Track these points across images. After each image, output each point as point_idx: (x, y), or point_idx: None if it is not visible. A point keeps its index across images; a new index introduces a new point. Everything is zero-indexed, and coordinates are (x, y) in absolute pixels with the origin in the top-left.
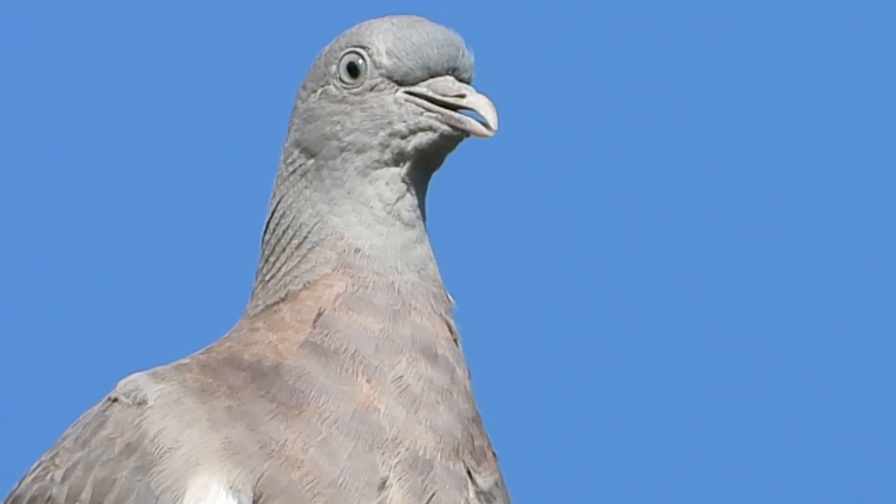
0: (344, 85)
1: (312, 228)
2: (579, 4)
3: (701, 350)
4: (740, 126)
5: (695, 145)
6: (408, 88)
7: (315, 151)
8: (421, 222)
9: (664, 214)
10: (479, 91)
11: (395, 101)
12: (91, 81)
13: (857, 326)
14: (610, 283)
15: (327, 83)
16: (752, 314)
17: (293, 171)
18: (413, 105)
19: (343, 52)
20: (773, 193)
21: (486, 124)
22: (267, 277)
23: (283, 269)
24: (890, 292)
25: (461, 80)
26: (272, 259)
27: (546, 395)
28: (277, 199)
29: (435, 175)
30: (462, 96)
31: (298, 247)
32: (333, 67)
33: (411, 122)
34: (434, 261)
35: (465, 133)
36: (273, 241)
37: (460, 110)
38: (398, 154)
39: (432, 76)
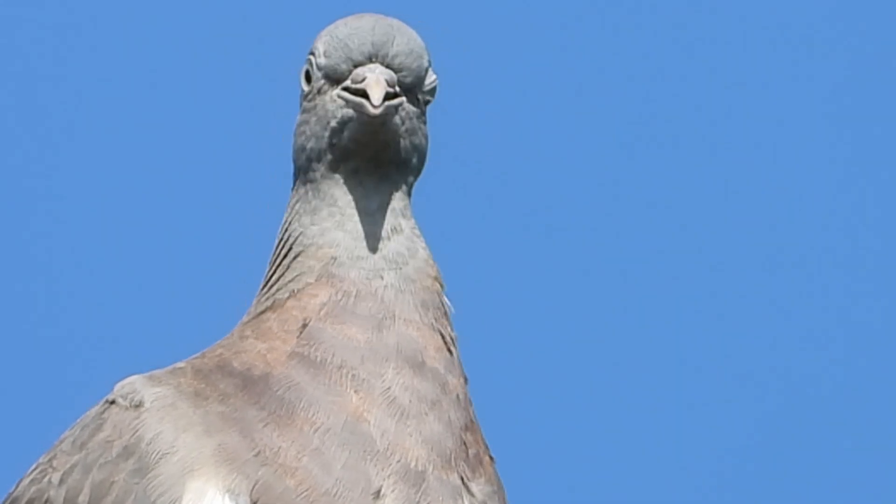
0: (304, 94)
1: (297, 239)
2: (576, 3)
3: (703, 351)
4: (740, 125)
5: (695, 143)
6: (343, 84)
7: (297, 165)
8: (397, 215)
9: (668, 216)
10: (380, 73)
11: (331, 99)
12: (91, 83)
13: (862, 328)
14: (610, 285)
15: (301, 98)
16: (751, 314)
17: (292, 188)
18: (342, 100)
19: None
20: (773, 192)
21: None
22: (262, 288)
23: (272, 279)
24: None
25: (392, 67)
26: (268, 271)
27: (545, 398)
28: (286, 213)
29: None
30: (364, 79)
31: (285, 257)
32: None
33: (339, 116)
34: (419, 258)
35: (364, 115)
36: (272, 256)
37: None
38: (342, 150)
39: (357, 66)
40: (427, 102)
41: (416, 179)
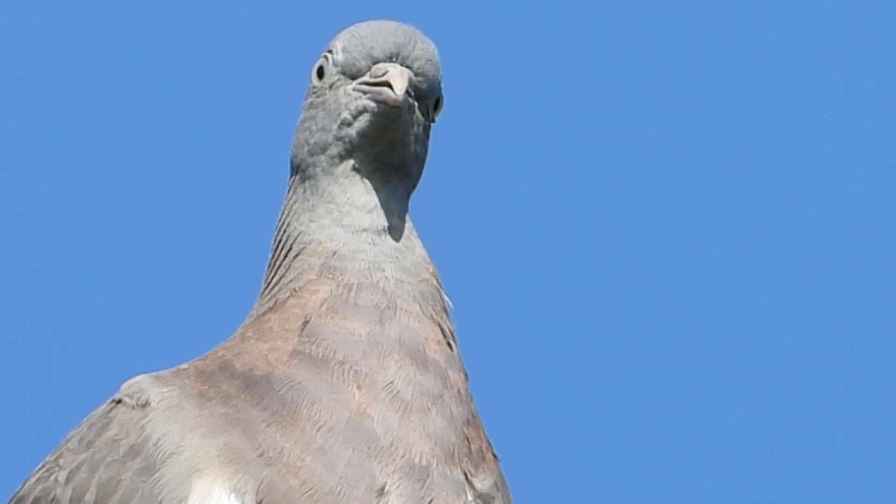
0: (314, 90)
1: (297, 238)
2: (582, 6)
3: (702, 347)
4: (744, 125)
5: (702, 143)
6: (360, 79)
7: (297, 162)
8: (393, 215)
9: (672, 212)
10: (402, 69)
11: (346, 93)
12: (90, 84)
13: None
14: (611, 280)
15: (307, 96)
16: (741, 314)
17: (288, 187)
18: (358, 93)
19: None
20: (779, 192)
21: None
22: (263, 289)
23: (274, 281)
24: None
25: (411, 70)
26: (269, 273)
27: (548, 394)
28: (280, 215)
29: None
30: (385, 73)
31: (286, 257)
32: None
33: (353, 108)
34: (417, 254)
35: (383, 103)
36: (271, 257)
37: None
38: (348, 143)
39: (376, 63)
40: (433, 119)
41: (413, 190)
